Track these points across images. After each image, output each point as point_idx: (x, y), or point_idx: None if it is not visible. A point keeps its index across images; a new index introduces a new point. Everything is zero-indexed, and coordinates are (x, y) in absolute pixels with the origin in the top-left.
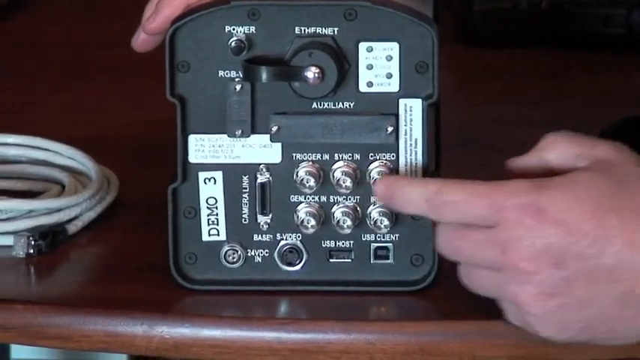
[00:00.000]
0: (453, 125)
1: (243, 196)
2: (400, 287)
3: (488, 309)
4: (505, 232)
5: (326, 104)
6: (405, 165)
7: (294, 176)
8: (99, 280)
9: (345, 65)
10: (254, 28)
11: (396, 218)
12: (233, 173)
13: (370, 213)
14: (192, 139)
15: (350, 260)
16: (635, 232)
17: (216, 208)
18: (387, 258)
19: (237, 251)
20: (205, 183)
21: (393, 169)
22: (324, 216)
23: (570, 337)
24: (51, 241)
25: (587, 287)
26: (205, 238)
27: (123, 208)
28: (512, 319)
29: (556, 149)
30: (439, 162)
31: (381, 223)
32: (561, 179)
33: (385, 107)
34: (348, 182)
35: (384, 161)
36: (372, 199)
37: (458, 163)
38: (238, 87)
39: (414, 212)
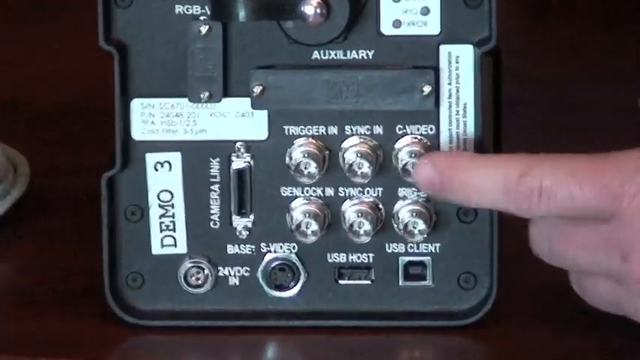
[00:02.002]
0: (519, 83)
1: (212, 188)
2: (442, 321)
3: (562, 352)
4: (626, 229)
5: (333, 54)
6: (450, 142)
7: (287, 159)
8: (0, 313)
9: None
10: None
11: (435, 220)
12: (197, 155)
13: (398, 212)
14: (137, 105)
15: (369, 282)
16: None
17: (173, 206)
18: (424, 278)
19: (204, 269)
20: (156, 170)
21: (432, 148)
22: (330, 217)
23: None
24: None
25: None
26: (157, 250)
27: (36, 208)
28: None
29: None
30: (499, 137)
31: (414, 228)
32: None
33: (420, 58)
34: (366, 168)
35: (418, 137)
36: (402, 191)
37: (527, 140)
38: (204, 29)
39: (485, 205)
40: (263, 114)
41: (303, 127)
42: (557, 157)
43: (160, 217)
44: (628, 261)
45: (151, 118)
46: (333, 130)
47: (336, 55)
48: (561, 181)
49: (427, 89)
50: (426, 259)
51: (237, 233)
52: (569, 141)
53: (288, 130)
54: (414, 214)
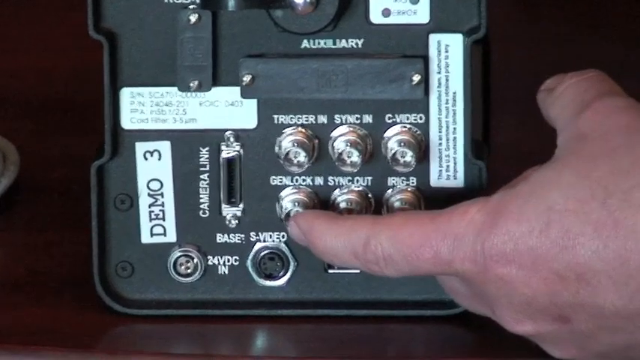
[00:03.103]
0: (507, 72)
1: (202, 177)
2: (431, 310)
3: None
4: (475, 289)
5: (322, 43)
6: (439, 131)
7: (277, 148)
8: None
9: None
10: None
11: (425, 210)
12: (186, 144)
13: (387, 201)
14: (127, 94)
15: (358, 271)
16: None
17: (162, 195)
18: None
19: (194, 258)
20: (146, 159)
21: (421, 137)
22: (319, 206)
23: None
24: None
25: (610, 336)
26: (146, 239)
27: (26, 196)
28: None
29: (558, 104)
30: (488, 127)
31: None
32: (517, 194)
33: (409, 46)
34: (355, 157)
35: (408, 125)
36: (391, 180)
37: (516, 128)
38: (194, 18)
39: (347, 267)
40: (252, 103)
41: (292, 116)
42: (395, 221)
43: (149, 206)
44: (495, 315)
45: (140, 107)
46: (323, 119)
47: (325, 43)
48: (398, 249)
49: (417, 78)
50: None
51: (227, 222)
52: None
53: (278, 119)
54: (404, 203)
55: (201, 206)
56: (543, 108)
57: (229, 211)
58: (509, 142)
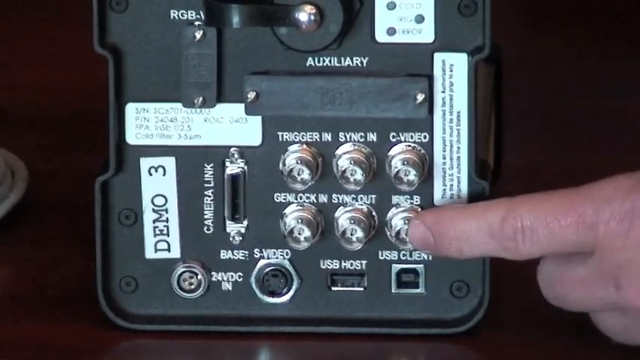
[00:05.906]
0: (516, 91)
1: (206, 193)
2: (434, 329)
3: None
4: (609, 256)
5: (327, 61)
6: (443, 150)
7: (281, 165)
8: None
9: (354, 3)
10: None
11: None
12: (191, 160)
13: (391, 220)
14: (132, 109)
15: (362, 289)
16: None
17: (167, 211)
18: (416, 286)
19: (197, 274)
20: (150, 174)
21: (425, 156)
22: (323, 224)
23: None
24: None
25: None
26: (150, 254)
27: (34, 212)
28: None
29: None
30: (501, 147)
31: (407, 235)
32: None
33: (414, 65)
34: (359, 174)
35: (412, 144)
36: (395, 199)
37: (525, 152)
38: (199, 34)
39: (477, 255)
40: (257, 120)
41: (297, 134)
42: (534, 196)
43: (153, 222)
44: (621, 288)
45: (145, 122)
46: (327, 136)
47: (330, 61)
48: (539, 218)
49: (421, 97)
50: (419, 266)
51: (231, 238)
52: (573, 150)
53: (282, 136)
54: (407, 222)
55: (206, 222)
56: None
57: (233, 228)
58: (516, 162)
